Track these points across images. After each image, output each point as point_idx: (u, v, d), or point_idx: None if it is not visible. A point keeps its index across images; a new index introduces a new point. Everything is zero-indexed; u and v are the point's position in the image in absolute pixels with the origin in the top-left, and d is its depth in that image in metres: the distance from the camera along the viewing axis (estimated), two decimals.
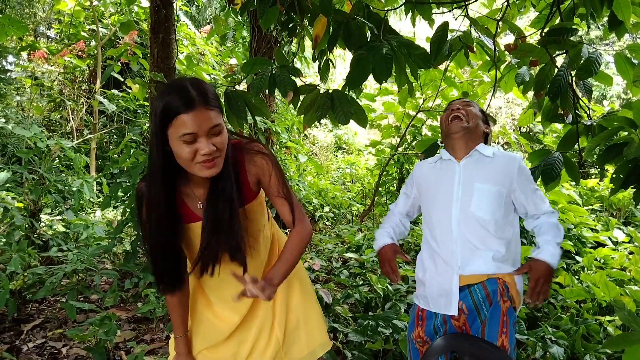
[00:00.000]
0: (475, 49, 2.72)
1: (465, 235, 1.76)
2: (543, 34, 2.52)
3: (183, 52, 5.96)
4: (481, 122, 1.94)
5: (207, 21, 10.62)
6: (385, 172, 5.97)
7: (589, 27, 2.64)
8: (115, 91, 6.30)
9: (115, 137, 7.92)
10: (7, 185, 4.17)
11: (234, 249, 1.42)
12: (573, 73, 2.48)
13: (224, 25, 5.32)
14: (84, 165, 5.25)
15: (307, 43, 4.75)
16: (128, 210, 3.89)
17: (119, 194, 4.02)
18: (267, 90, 2.26)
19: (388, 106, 5.72)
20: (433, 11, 2.73)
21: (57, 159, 5.45)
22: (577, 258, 4.09)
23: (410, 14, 2.81)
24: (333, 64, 2.88)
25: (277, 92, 2.28)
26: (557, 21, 2.77)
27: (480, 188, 1.78)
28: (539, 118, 3.01)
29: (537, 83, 2.61)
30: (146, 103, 5.42)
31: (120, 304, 3.52)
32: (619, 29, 2.70)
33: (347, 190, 7.83)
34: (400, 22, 10.06)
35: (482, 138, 1.93)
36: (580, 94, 2.65)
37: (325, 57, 2.73)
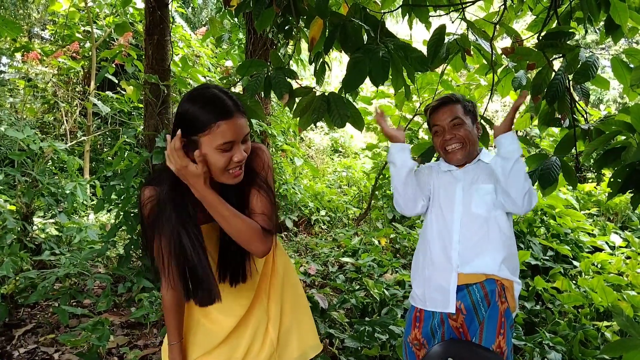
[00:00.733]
0: (472, 52, 2.70)
1: (466, 235, 1.77)
2: (540, 37, 2.50)
3: (178, 54, 5.93)
4: (473, 130, 1.86)
5: (203, 23, 10.58)
6: (381, 176, 5.94)
7: (586, 31, 2.63)
8: (109, 93, 6.27)
9: (109, 139, 7.87)
10: None
11: (245, 252, 1.41)
12: (570, 77, 2.47)
13: (220, 27, 5.30)
14: (77, 168, 5.20)
15: (303, 45, 4.73)
16: (122, 213, 3.85)
17: (113, 197, 3.99)
18: (262, 93, 2.23)
19: (384, 109, 5.69)
20: (430, 14, 2.71)
21: (50, 161, 5.39)
22: (575, 263, 4.08)
23: (407, 17, 2.79)
24: (329, 67, 2.85)
25: (272, 95, 2.25)
26: (554, 25, 2.76)
27: (478, 188, 1.81)
28: (535, 122, 3.00)
29: (534, 87, 2.60)
30: (140, 105, 5.38)
31: (113, 308, 3.48)
32: (615, 33, 2.69)
33: (343, 194, 7.81)
34: (397, 25, 10.06)
35: (477, 140, 1.91)
36: (577, 98, 2.64)
37: (321, 60, 2.71)
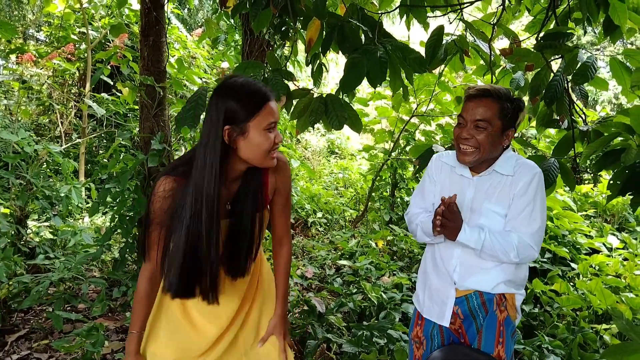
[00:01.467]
0: (470, 53, 2.69)
1: (467, 253, 1.71)
2: (539, 38, 2.49)
3: (174, 56, 5.89)
4: (498, 137, 1.65)
5: (199, 24, 10.55)
6: (378, 177, 5.92)
7: (585, 32, 2.62)
8: (104, 95, 6.22)
9: (104, 141, 7.82)
10: None
11: (250, 252, 1.48)
12: (569, 78, 2.45)
13: (216, 28, 5.27)
14: (72, 170, 5.16)
15: (300, 47, 4.70)
16: (117, 216, 3.81)
17: (108, 199, 3.95)
18: None
19: (381, 111, 5.68)
20: (428, 15, 2.69)
21: (44, 163, 5.35)
22: (573, 265, 4.07)
23: (405, 18, 2.78)
24: (326, 68, 2.83)
25: None
26: (553, 25, 2.75)
27: (489, 209, 1.69)
28: (533, 123, 2.98)
29: (532, 88, 2.58)
30: (136, 107, 5.36)
31: (108, 313, 3.44)
32: (614, 34, 2.68)
33: (340, 196, 7.78)
34: (393, 27, 10.05)
35: (502, 149, 1.72)
36: (575, 99, 2.63)
37: (318, 61, 2.69)
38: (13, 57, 6.94)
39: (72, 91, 7.62)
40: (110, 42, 6.81)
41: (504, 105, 1.63)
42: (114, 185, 3.76)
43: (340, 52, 2.35)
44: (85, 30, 6.53)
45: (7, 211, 4.16)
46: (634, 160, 2.13)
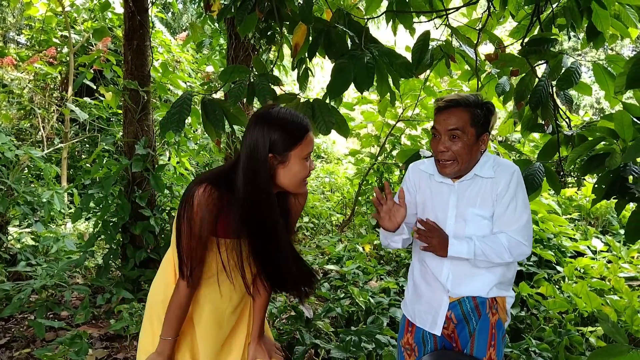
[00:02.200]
0: (455, 58, 2.70)
1: (458, 260, 1.70)
2: (524, 44, 2.51)
3: (158, 60, 5.84)
4: (474, 144, 1.67)
5: (183, 28, 10.50)
6: (365, 182, 5.93)
7: (569, 38, 2.65)
8: (87, 99, 6.14)
9: (87, 146, 7.72)
10: None
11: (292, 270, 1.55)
12: (554, 83, 2.47)
13: (200, 32, 5.24)
14: (54, 176, 5.07)
15: (286, 51, 4.69)
16: (100, 222, 3.76)
17: (91, 205, 3.89)
18: (244, 99, 2.19)
19: (367, 115, 5.70)
20: (414, 20, 2.70)
21: (26, 169, 5.26)
22: (558, 268, 4.10)
23: (391, 23, 2.78)
24: (312, 73, 2.82)
25: (255, 101, 2.22)
26: (537, 31, 2.77)
27: (474, 215, 1.69)
28: (518, 128, 3.00)
29: (517, 93, 2.60)
30: (120, 111, 5.30)
31: (92, 320, 3.38)
32: (596, 40, 2.71)
33: (326, 200, 7.77)
34: (378, 32, 10.09)
35: (480, 154, 1.74)
36: (560, 104, 2.65)
37: (304, 66, 2.68)
38: None
39: (54, 95, 7.52)
40: (93, 46, 6.73)
41: (474, 112, 1.65)
42: (97, 191, 3.72)
43: (326, 57, 2.34)
44: (67, 34, 6.45)
45: None
46: (618, 164, 2.15)
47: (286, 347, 2.81)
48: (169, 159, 4.54)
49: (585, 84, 2.62)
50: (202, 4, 4.03)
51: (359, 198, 6.01)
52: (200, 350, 1.54)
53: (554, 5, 2.63)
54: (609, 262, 4.35)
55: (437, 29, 2.77)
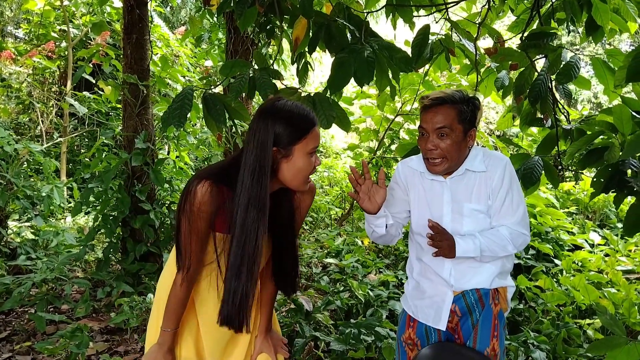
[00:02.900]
0: (455, 52, 2.70)
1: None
2: (523, 38, 2.52)
3: (157, 54, 5.82)
4: (462, 141, 1.66)
5: (182, 22, 10.46)
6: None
7: (568, 32, 2.65)
8: (86, 93, 6.13)
9: (86, 140, 7.71)
10: None
11: (296, 269, 1.58)
12: (553, 77, 2.48)
13: (199, 26, 5.22)
14: (54, 170, 5.07)
15: (285, 45, 4.68)
16: (100, 216, 3.77)
17: (91, 199, 3.90)
18: (244, 94, 2.20)
19: (366, 110, 5.70)
20: (414, 14, 2.70)
21: (25, 163, 5.26)
22: (556, 261, 4.13)
23: (390, 17, 2.78)
24: (312, 67, 2.82)
25: (256, 96, 2.22)
26: (536, 25, 2.78)
27: (471, 210, 1.69)
28: (517, 122, 3.01)
29: (517, 87, 2.61)
30: (119, 106, 5.29)
31: (92, 314, 3.40)
32: (596, 34, 2.72)
33: (325, 194, 7.78)
34: (377, 26, 10.07)
35: (469, 150, 1.74)
36: (559, 98, 2.66)
37: (304, 60, 2.68)
38: None
39: (53, 89, 7.51)
40: (91, 40, 6.71)
41: (461, 109, 1.64)
42: (97, 185, 3.72)
43: (326, 51, 2.34)
44: (65, 28, 6.43)
45: None
46: (616, 158, 2.16)
47: (287, 341, 2.82)
48: (168, 153, 4.54)
49: (584, 78, 2.63)
50: None
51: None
52: (205, 343, 1.54)
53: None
54: (607, 255, 4.38)
55: (436, 23, 2.77)
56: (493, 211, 1.69)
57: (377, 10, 2.84)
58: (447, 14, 2.68)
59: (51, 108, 7.25)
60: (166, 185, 4.18)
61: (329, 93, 2.19)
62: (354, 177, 1.62)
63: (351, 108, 6.23)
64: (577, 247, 4.50)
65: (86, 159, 4.79)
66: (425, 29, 2.40)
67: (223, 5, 2.54)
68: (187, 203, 1.37)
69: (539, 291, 3.42)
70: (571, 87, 2.82)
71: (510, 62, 2.62)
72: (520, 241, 1.68)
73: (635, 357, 1.96)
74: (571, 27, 2.79)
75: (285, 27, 2.75)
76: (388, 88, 2.40)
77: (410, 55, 2.28)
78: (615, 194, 2.30)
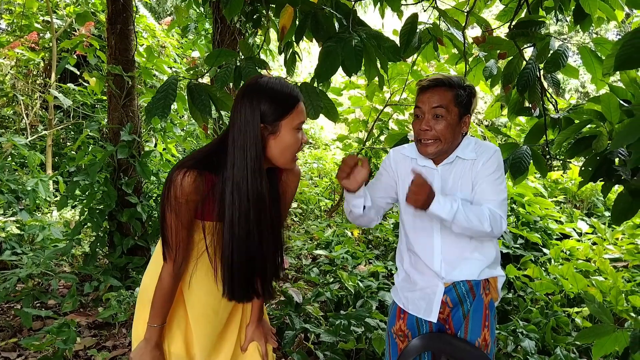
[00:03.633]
0: (444, 41, 2.68)
1: (448, 245, 1.71)
2: (511, 26, 2.50)
3: (143, 45, 5.74)
4: (457, 125, 1.68)
5: (168, 13, 10.33)
6: None
7: (557, 21, 2.64)
8: (71, 85, 6.04)
9: (72, 133, 7.60)
10: None
11: (281, 255, 1.55)
12: (541, 66, 2.47)
13: (186, 16, 5.15)
14: (39, 163, 5.01)
15: (272, 35, 4.64)
16: (86, 209, 3.72)
17: (77, 192, 3.85)
18: (231, 84, 2.16)
19: (355, 100, 5.67)
20: (402, 3, 2.68)
21: (9, 157, 5.18)
22: (544, 250, 4.15)
23: (378, 6, 2.75)
24: (299, 57, 2.79)
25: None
26: (524, 14, 2.76)
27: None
28: (505, 112, 3.01)
29: (505, 76, 2.60)
30: (104, 97, 5.22)
31: (79, 309, 3.36)
32: (584, 23, 2.71)
33: (314, 186, 7.76)
34: (365, 15, 10.02)
35: (462, 137, 1.74)
36: (547, 87, 2.66)
37: (291, 49, 2.65)
38: None
39: (37, 82, 7.39)
40: (76, 31, 6.60)
41: (457, 92, 1.66)
42: (83, 178, 3.67)
43: (313, 40, 2.31)
44: (49, 19, 6.31)
45: None
46: (604, 147, 2.16)
47: (276, 331, 2.81)
48: (155, 146, 4.49)
49: (572, 67, 2.62)
50: None
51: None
52: (195, 337, 1.51)
53: None
54: (594, 243, 4.41)
55: (425, 11, 2.75)
56: (476, 191, 1.68)
57: None
58: (435, 3, 2.66)
59: (36, 100, 7.14)
60: (153, 178, 4.13)
61: (316, 83, 2.16)
62: (349, 164, 1.58)
63: (340, 99, 6.21)
64: (565, 236, 4.53)
65: (72, 152, 4.71)
66: (413, 18, 2.37)
67: None
68: (172, 194, 1.34)
69: (528, 280, 3.44)
70: (559, 76, 2.82)
71: (498, 51, 2.61)
72: (497, 224, 1.62)
73: (623, 344, 1.98)
74: (559, 16, 2.78)
75: (272, 16, 2.71)
76: (377, 78, 2.38)
77: (399, 45, 2.26)
78: (603, 182, 2.31)
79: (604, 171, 2.23)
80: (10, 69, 6.87)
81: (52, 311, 3.21)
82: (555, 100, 2.78)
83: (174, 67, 6.05)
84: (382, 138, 5.79)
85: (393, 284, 1.93)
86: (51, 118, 6.45)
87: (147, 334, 1.46)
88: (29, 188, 4.43)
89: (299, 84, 2.11)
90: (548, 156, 2.75)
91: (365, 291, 3.35)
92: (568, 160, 2.75)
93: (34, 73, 7.44)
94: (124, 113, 3.84)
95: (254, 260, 1.42)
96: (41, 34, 6.62)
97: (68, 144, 7.49)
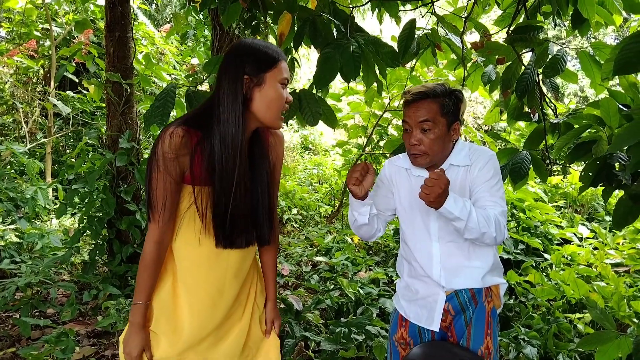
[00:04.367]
0: (442, 47, 2.68)
1: (447, 254, 1.69)
2: (509, 31, 2.50)
3: (142, 52, 5.75)
4: (445, 135, 1.65)
5: (167, 20, 10.36)
6: None
7: (555, 25, 2.64)
8: (70, 93, 6.04)
9: (71, 140, 7.61)
10: None
11: (271, 218, 1.54)
12: (540, 71, 2.47)
13: (184, 23, 5.16)
14: (38, 171, 5.00)
15: (271, 41, 4.63)
16: (86, 217, 3.71)
17: (76, 200, 3.83)
18: None
19: (354, 106, 5.67)
20: (400, 9, 2.68)
21: (9, 164, 5.17)
22: (545, 255, 4.13)
23: (376, 12, 2.75)
24: (298, 63, 2.79)
25: None
26: (522, 19, 2.76)
27: None
28: (504, 117, 3.00)
29: (504, 81, 2.59)
30: (103, 105, 5.22)
31: (78, 317, 3.34)
32: (582, 27, 2.71)
33: (314, 192, 7.75)
34: (363, 22, 10.04)
35: (453, 144, 1.72)
36: (546, 92, 2.65)
37: (290, 56, 2.64)
38: None
39: (37, 89, 7.39)
40: (74, 39, 6.61)
41: (443, 102, 1.63)
42: (82, 186, 3.66)
43: (312, 46, 2.31)
44: (48, 27, 6.32)
45: None
46: (604, 151, 2.15)
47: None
48: None
49: (571, 72, 2.62)
50: None
51: (347, 189, 5.98)
52: (196, 317, 1.45)
53: None
54: (595, 248, 4.39)
55: (422, 17, 2.75)
56: (475, 199, 1.66)
57: (362, 5, 2.81)
58: (433, 8, 2.66)
59: (35, 108, 7.14)
60: None
61: (315, 89, 2.15)
62: (361, 170, 1.60)
63: (339, 104, 6.21)
64: (566, 241, 4.51)
65: (71, 160, 4.71)
66: (412, 24, 2.37)
67: (207, 2, 2.50)
68: (160, 151, 1.33)
69: (529, 286, 3.42)
70: (558, 81, 2.82)
71: (497, 57, 2.61)
72: (500, 229, 1.59)
73: (626, 351, 1.96)
74: (557, 21, 2.78)
75: (270, 23, 2.71)
76: (375, 84, 2.37)
77: (397, 50, 2.26)
78: (603, 187, 2.30)
79: (604, 176, 2.23)
80: (10, 77, 6.87)
81: (51, 320, 3.19)
82: (555, 105, 2.78)
83: (172, 74, 6.06)
84: (381, 143, 5.78)
85: (394, 290, 1.92)
86: (50, 126, 6.45)
87: (131, 315, 1.41)
88: (28, 196, 4.42)
89: (297, 90, 2.11)
90: (548, 161, 2.74)
91: (366, 298, 3.33)
92: (568, 165, 2.74)
93: (33, 81, 7.45)
94: (122, 120, 3.84)
95: (247, 214, 1.44)
96: (40, 42, 6.63)
97: (67, 151, 7.49)
